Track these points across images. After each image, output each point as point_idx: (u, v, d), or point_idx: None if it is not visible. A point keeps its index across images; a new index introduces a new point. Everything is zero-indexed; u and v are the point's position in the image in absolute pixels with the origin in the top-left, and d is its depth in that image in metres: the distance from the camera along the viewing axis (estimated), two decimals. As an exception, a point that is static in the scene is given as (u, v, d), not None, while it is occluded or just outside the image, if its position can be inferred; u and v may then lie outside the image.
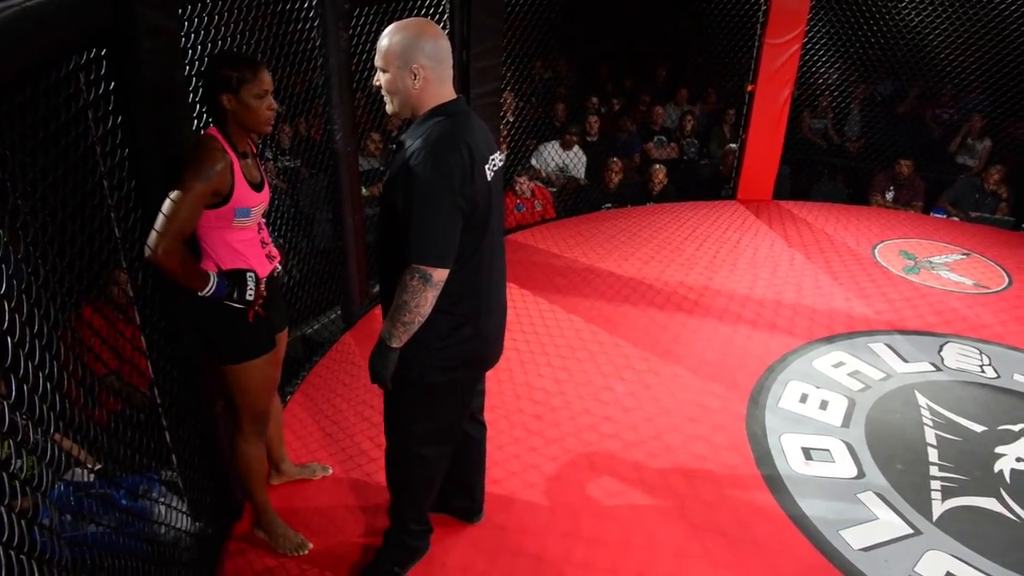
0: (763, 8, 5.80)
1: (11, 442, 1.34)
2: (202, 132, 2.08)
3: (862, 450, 3.07)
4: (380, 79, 1.91)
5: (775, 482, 2.89)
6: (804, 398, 3.44)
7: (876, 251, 5.29)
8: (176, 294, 2.11)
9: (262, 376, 2.27)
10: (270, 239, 2.34)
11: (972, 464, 3.02)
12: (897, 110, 7.22)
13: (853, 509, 2.75)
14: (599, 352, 3.85)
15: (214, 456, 2.50)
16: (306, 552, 2.49)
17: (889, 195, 6.41)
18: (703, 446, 3.10)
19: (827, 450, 3.07)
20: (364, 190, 4.70)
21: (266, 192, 2.21)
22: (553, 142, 6.47)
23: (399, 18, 1.93)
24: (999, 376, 3.68)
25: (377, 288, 2.15)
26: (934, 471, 2.97)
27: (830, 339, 4.00)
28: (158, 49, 1.97)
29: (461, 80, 4.24)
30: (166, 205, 1.90)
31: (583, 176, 6.48)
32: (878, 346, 3.92)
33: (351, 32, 3.69)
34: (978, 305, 4.47)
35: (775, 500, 2.79)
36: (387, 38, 1.87)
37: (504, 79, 5.16)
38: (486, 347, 2.12)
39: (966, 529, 2.67)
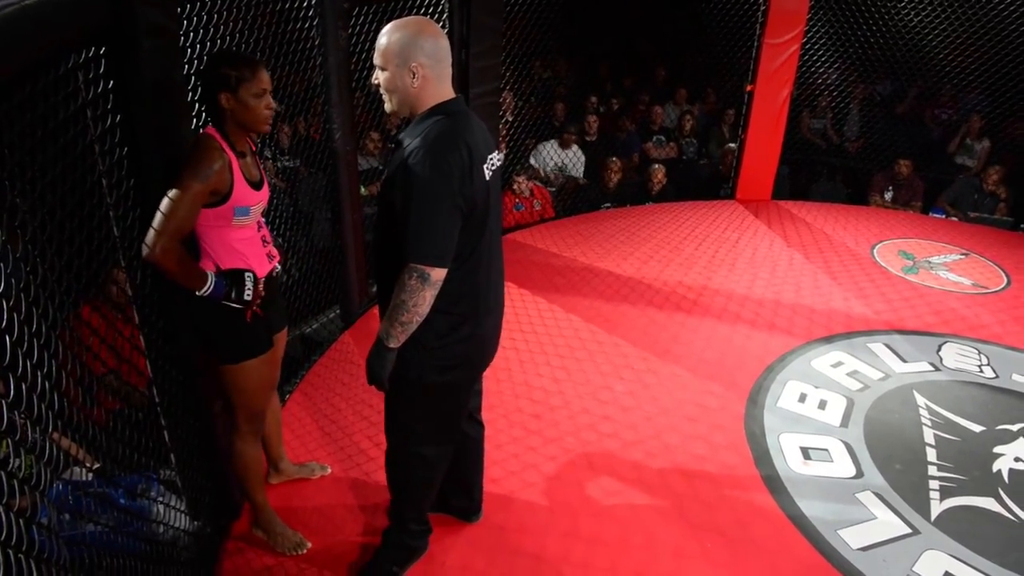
0: (762, 8, 5.80)
1: (10, 441, 1.34)
2: (200, 131, 2.07)
3: (861, 450, 3.08)
4: (379, 77, 1.91)
5: (774, 482, 2.89)
6: (803, 398, 3.44)
7: (875, 251, 5.29)
8: (174, 293, 2.10)
9: (259, 376, 2.27)
10: (270, 238, 2.34)
11: (970, 464, 3.02)
12: (896, 110, 7.23)
13: (851, 509, 2.75)
14: (598, 352, 3.85)
15: (213, 455, 2.49)
16: (305, 551, 2.49)
17: (888, 195, 6.41)
18: (702, 446, 3.10)
19: (826, 450, 3.07)
20: (363, 189, 4.70)
21: (265, 190, 2.20)
22: (551, 141, 6.47)
23: (398, 17, 1.93)
24: (997, 376, 3.68)
25: (376, 288, 2.15)
26: (932, 471, 2.98)
27: (829, 339, 4.00)
28: (157, 48, 1.97)
29: (460, 79, 4.24)
30: (164, 204, 1.90)
31: (582, 175, 6.48)
32: (877, 346, 3.93)
33: (350, 31, 3.68)
34: (977, 305, 4.47)
35: (774, 500, 2.80)
36: (386, 36, 1.86)
37: (503, 79, 5.16)
38: (484, 347, 2.12)
39: (964, 529, 2.67)
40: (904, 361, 3.78)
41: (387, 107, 1.95)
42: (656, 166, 6.37)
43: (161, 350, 2.21)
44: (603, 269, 4.88)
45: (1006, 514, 2.76)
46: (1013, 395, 3.53)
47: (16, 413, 1.34)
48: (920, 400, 3.44)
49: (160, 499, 2.28)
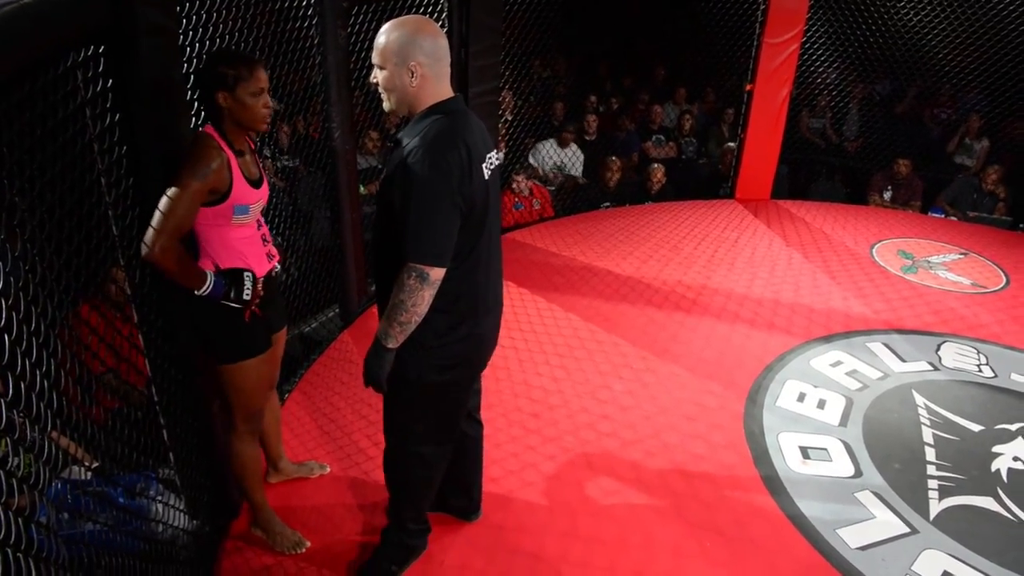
0: (762, 7, 5.80)
1: (8, 440, 1.33)
2: (199, 130, 2.07)
3: (859, 449, 3.08)
4: (377, 76, 1.90)
5: (773, 481, 2.89)
6: (802, 397, 3.44)
7: (874, 250, 5.29)
8: (173, 292, 2.10)
9: (258, 375, 2.27)
10: (270, 237, 2.34)
11: (969, 463, 3.02)
12: (895, 110, 7.23)
13: (850, 508, 2.75)
14: (597, 351, 3.85)
15: (212, 454, 2.49)
16: (303, 550, 2.49)
17: (887, 195, 6.41)
18: (701, 445, 3.10)
19: (825, 449, 3.07)
20: (362, 188, 4.70)
21: (264, 189, 2.20)
22: (550, 140, 6.47)
23: (397, 16, 1.92)
24: (996, 375, 3.68)
25: (374, 287, 2.15)
26: (931, 470, 2.98)
27: (828, 338, 4.01)
28: (157, 47, 1.97)
29: (460, 79, 4.23)
30: (163, 203, 1.90)
31: (580, 174, 6.48)
32: (876, 345, 3.93)
33: (349, 30, 3.68)
34: (976, 305, 4.47)
35: (773, 499, 2.80)
36: (384, 35, 1.86)
37: (502, 78, 5.16)
38: (483, 346, 2.12)
39: (963, 528, 2.67)
40: (903, 361, 3.79)
41: (386, 106, 1.94)
42: (655, 165, 6.37)
43: (160, 349, 2.21)
44: (602, 268, 4.88)
45: (1005, 513, 2.77)
46: (1012, 394, 3.53)
47: (15, 412, 1.34)
48: (919, 399, 3.44)
49: (159, 498, 2.28)
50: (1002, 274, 4.95)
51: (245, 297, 2.12)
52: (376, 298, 2.08)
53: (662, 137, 7.12)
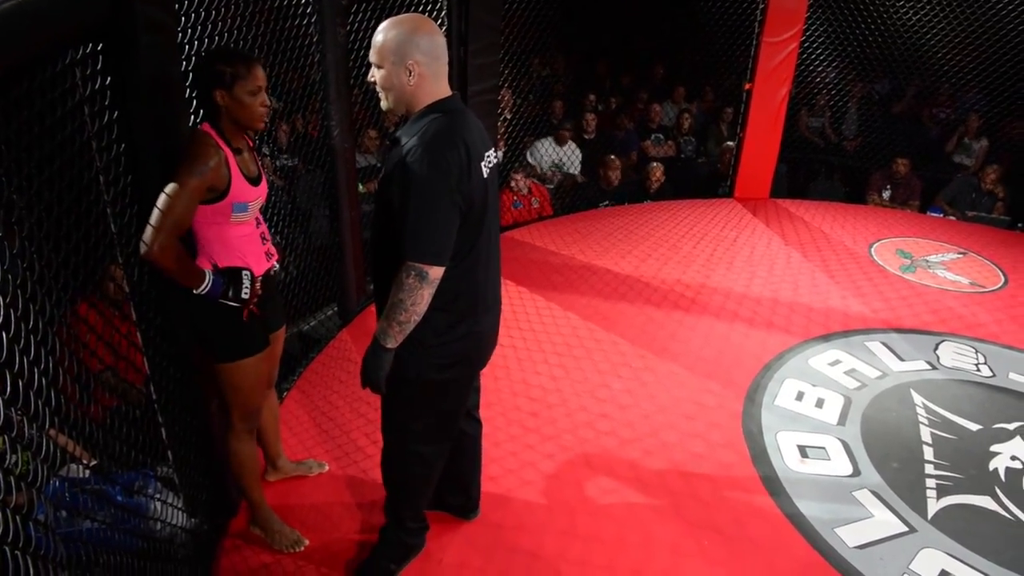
0: (761, 6, 5.80)
1: (6, 437, 1.33)
2: (196, 128, 2.07)
3: (858, 448, 3.08)
4: (375, 75, 1.90)
5: (771, 480, 2.89)
6: (800, 396, 3.44)
7: (873, 250, 5.30)
8: (171, 290, 2.10)
9: (255, 374, 2.27)
10: (269, 235, 2.33)
11: (967, 462, 3.03)
12: (894, 109, 7.23)
13: (849, 507, 2.76)
14: (596, 349, 3.85)
15: (210, 452, 2.49)
16: (302, 549, 2.49)
17: (886, 194, 6.42)
18: (699, 444, 3.10)
19: (823, 448, 3.08)
20: (361, 186, 4.69)
21: (263, 186, 2.20)
22: (548, 138, 6.46)
23: (396, 14, 1.92)
24: (994, 375, 3.68)
25: (373, 286, 2.14)
26: (929, 469, 2.98)
27: (826, 337, 4.01)
28: (155, 44, 1.96)
29: (459, 77, 4.23)
30: (161, 201, 1.90)
31: (579, 172, 6.47)
32: (874, 344, 3.93)
33: (348, 28, 3.68)
34: (974, 304, 4.48)
35: (771, 498, 2.80)
36: (382, 34, 1.85)
37: (502, 76, 5.16)
38: (482, 344, 2.11)
39: (961, 527, 2.67)
40: (901, 360, 3.79)
41: (383, 105, 1.94)
42: (654, 164, 6.36)
43: (158, 347, 2.21)
44: (601, 267, 4.88)
45: (1003, 512, 2.77)
46: (1010, 394, 3.53)
47: (13, 410, 1.34)
48: (917, 399, 3.44)
49: (157, 496, 2.28)
50: (1000, 273, 4.95)
51: (243, 296, 2.12)
52: (375, 297, 2.07)
53: (661, 136, 7.12)
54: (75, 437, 1.78)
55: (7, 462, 1.31)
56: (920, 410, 3.36)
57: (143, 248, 1.89)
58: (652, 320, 4.18)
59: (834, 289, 4.62)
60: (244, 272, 2.13)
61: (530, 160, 6.42)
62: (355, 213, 3.94)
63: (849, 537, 2.61)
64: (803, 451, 3.06)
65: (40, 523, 1.41)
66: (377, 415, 2.23)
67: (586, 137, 6.73)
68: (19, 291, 1.41)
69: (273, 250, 2.31)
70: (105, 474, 2.05)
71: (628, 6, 7.55)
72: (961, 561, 2.52)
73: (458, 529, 2.58)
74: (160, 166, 2.01)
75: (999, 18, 6.09)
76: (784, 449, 3.07)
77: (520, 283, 4.59)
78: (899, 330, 4.11)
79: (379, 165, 5.37)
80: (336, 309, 4.16)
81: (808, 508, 2.74)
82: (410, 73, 1.84)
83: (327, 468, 2.88)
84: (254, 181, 2.14)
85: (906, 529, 2.66)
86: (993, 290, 4.70)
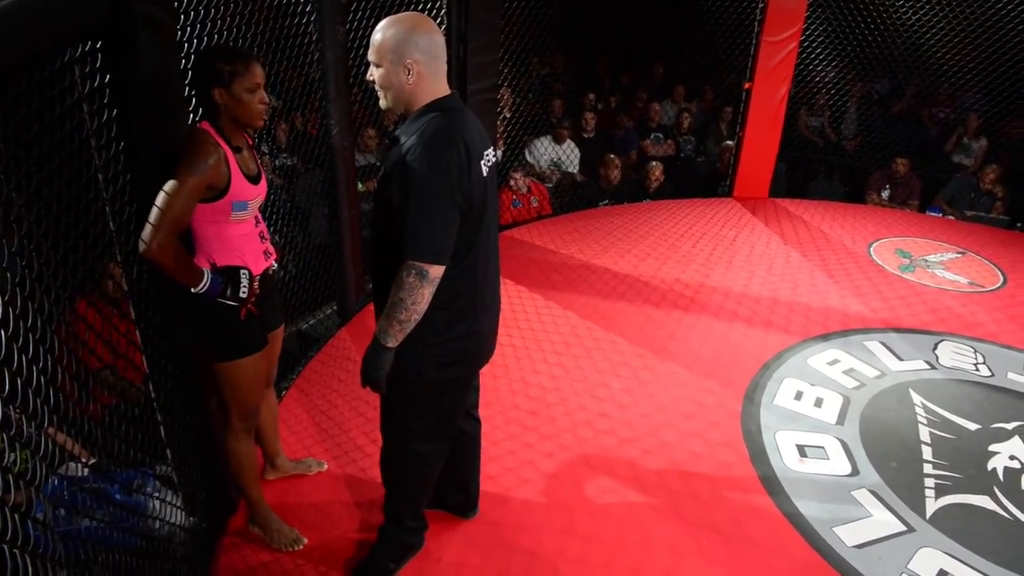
0: (761, 5, 5.80)
1: (5, 436, 1.33)
2: (195, 126, 2.06)
3: (856, 448, 3.08)
4: (373, 74, 1.89)
5: (770, 479, 2.89)
6: (799, 395, 3.44)
7: (872, 249, 5.30)
8: (170, 289, 2.10)
9: (253, 373, 2.27)
10: (268, 234, 2.33)
11: (966, 462, 3.03)
12: (894, 109, 7.24)
13: (847, 506, 2.76)
14: (595, 348, 3.85)
15: (209, 451, 2.49)
16: (301, 547, 2.49)
17: (885, 193, 6.42)
18: (698, 443, 3.10)
19: (822, 447, 3.08)
20: (360, 185, 4.69)
21: (263, 184, 2.20)
22: (545, 137, 6.46)
23: (395, 12, 1.92)
24: (993, 374, 3.69)
25: (372, 285, 2.14)
26: (928, 469, 2.98)
27: (825, 337, 4.01)
28: (154, 43, 1.96)
29: (459, 76, 4.23)
30: (160, 199, 1.89)
31: (577, 170, 6.47)
32: (873, 344, 3.93)
33: (348, 26, 3.67)
34: (973, 304, 4.48)
35: (770, 497, 2.80)
36: (380, 32, 1.85)
37: (501, 75, 5.15)
38: (481, 343, 2.11)
39: (959, 527, 2.68)
40: (900, 359, 3.79)
41: (382, 104, 1.94)
42: (654, 163, 6.36)
43: (157, 345, 2.21)
44: (600, 266, 4.88)
45: (1001, 512, 2.77)
46: (1008, 393, 3.54)
47: (11, 408, 1.34)
48: (916, 398, 3.45)
49: (156, 495, 2.28)
50: (999, 273, 4.96)
51: (241, 295, 2.11)
52: (374, 296, 2.07)
53: (660, 135, 7.12)
54: (74, 435, 1.78)
55: (6, 460, 1.30)
56: (919, 410, 3.36)
57: (142, 246, 1.89)
58: (651, 319, 4.18)
59: (833, 288, 4.63)
60: (242, 271, 2.12)
61: (528, 159, 6.42)
62: (354, 212, 3.94)
63: (848, 536, 2.61)
64: (802, 450, 3.06)
65: (39, 521, 1.41)
66: (376, 414, 2.23)
67: (585, 136, 6.73)
68: (18, 289, 1.41)
69: (271, 249, 2.31)
70: (104, 472, 2.05)
71: (628, 5, 7.55)
72: (959, 560, 2.52)
73: (457, 528, 2.58)
74: (159, 164, 2.01)
75: (999, 18, 6.10)
76: (783, 448, 3.07)
77: (519, 282, 4.59)
78: (898, 330, 4.11)
79: (378, 164, 5.36)
80: (335, 308, 4.16)
81: (807, 507, 2.74)
82: (409, 72, 1.84)
83: (326, 467, 2.88)
84: (254, 179, 2.14)
85: (904, 528, 2.66)
86: (992, 290, 4.70)
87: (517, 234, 5.41)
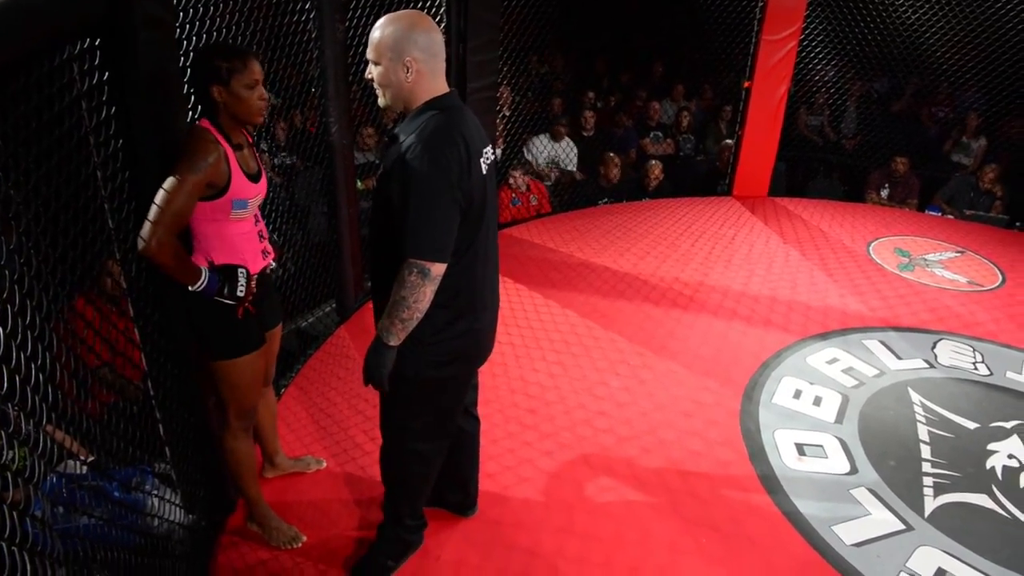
0: (760, 4, 5.79)
1: (3, 433, 1.33)
2: (195, 124, 2.06)
3: (855, 446, 3.08)
4: (372, 72, 1.89)
5: (768, 478, 2.89)
6: (798, 394, 3.44)
7: (871, 248, 5.30)
8: (168, 287, 2.10)
9: (251, 372, 2.26)
10: (267, 234, 2.33)
11: (964, 461, 3.03)
12: (893, 108, 7.24)
13: (846, 505, 2.76)
14: (594, 347, 3.85)
15: (208, 449, 2.49)
16: (299, 545, 2.49)
17: (884, 192, 6.42)
18: (697, 441, 3.10)
19: (820, 446, 3.08)
20: (359, 183, 4.69)
21: (263, 183, 2.19)
22: (543, 135, 6.45)
23: (394, 10, 1.91)
24: (992, 373, 3.69)
25: (371, 283, 2.14)
26: (927, 467, 2.98)
27: (824, 335, 4.01)
28: (153, 39, 1.96)
29: (458, 74, 4.23)
30: (160, 197, 1.89)
31: (575, 168, 6.46)
32: (872, 343, 3.93)
33: (347, 24, 3.67)
34: (972, 303, 4.48)
35: (768, 496, 2.80)
36: (379, 30, 1.85)
37: (500, 74, 5.15)
38: (480, 342, 2.11)
39: (958, 525, 2.68)
40: (899, 358, 3.79)
41: (381, 102, 1.93)
42: (653, 162, 6.36)
43: (156, 343, 2.21)
44: (599, 265, 4.88)
45: (999, 511, 2.77)
46: (1007, 392, 3.54)
47: (9, 405, 1.34)
48: (915, 397, 3.45)
49: (155, 493, 2.27)
50: (998, 272, 4.96)
51: (239, 294, 2.11)
52: (372, 294, 2.07)
53: (660, 134, 7.12)
54: (72, 433, 1.77)
55: (5, 458, 1.30)
56: (918, 408, 3.36)
57: (141, 244, 1.89)
58: (650, 318, 4.18)
59: (832, 287, 4.63)
60: (240, 270, 2.12)
61: (527, 156, 6.42)
62: (353, 210, 3.94)
63: (846, 535, 2.61)
64: (801, 449, 3.06)
65: (37, 519, 1.41)
66: (375, 412, 2.23)
67: (585, 135, 6.72)
68: (16, 286, 1.41)
69: (270, 248, 2.31)
70: (102, 470, 2.04)
71: (627, 3, 7.55)
72: (958, 559, 2.52)
73: (456, 526, 2.58)
74: (158, 161, 2.01)
75: (998, 17, 6.10)
76: (782, 447, 3.07)
77: (518, 280, 4.59)
78: (897, 328, 4.12)
79: (377, 162, 5.36)
80: (334, 306, 4.16)
81: (805, 506, 2.74)
82: (408, 70, 1.83)
83: (325, 465, 2.88)
84: (254, 178, 2.14)
85: (903, 527, 2.66)
86: (991, 289, 4.70)
87: (516, 232, 5.40)
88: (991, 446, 3.13)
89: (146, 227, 1.88)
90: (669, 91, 7.63)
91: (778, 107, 6.05)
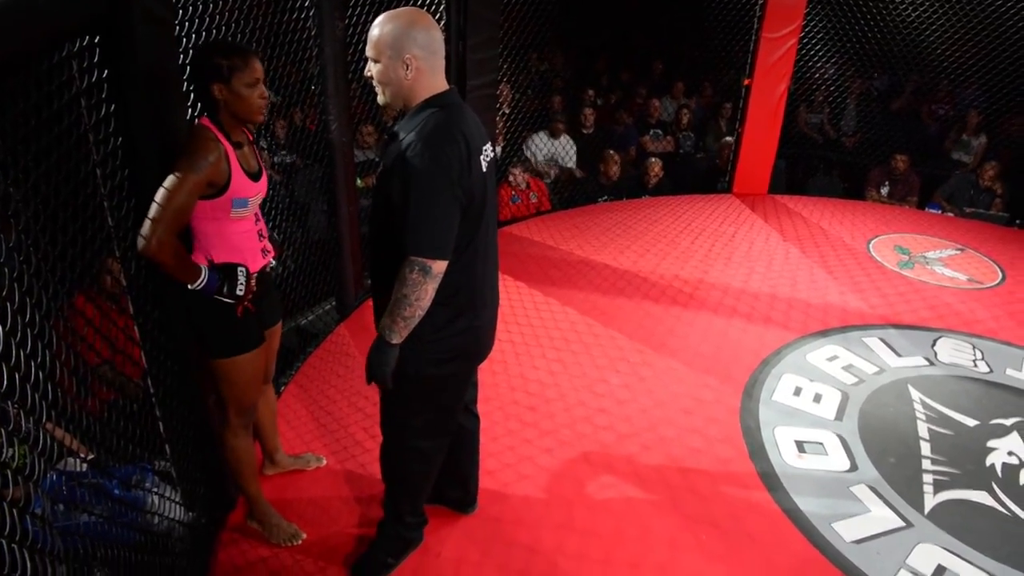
0: (760, 2, 5.79)
1: (3, 431, 1.33)
2: (196, 122, 2.06)
3: (855, 443, 3.09)
4: (372, 70, 1.89)
5: (768, 475, 2.89)
6: (798, 391, 3.44)
7: (871, 245, 5.30)
8: (168, 285, 2.10)
9: (251, 370, 2.26)
10: (267, 232, 2.33)
11: (964, 458, 3.03)
12: (893, 105, 7.23)
13: (846, 502, 2.76)
14: (594, 344, 3.85)
15: (208, 446, 2.49)
16: (299, 542, 2.49)
17: (884, 190, 6.42)
18: (697, 439, 3.11)
19: (820, 443, 3.08)
20: (359, 181, 4.69)
21: (263, 181, 2.19)
22: (542, 132, 6.44)
23: (394, 7, 1.91)
24: (992, 371, 3.69)
25: (371, 281, 2.14)
26: (926, 464, 2.99)
27: (824, 333, 4.01)
28: (153, 37, 1.95)
29: (458, 72, 4.22)
30: (160, 195, 1.89)
31: (574, 165, 6.46)
32: (872, 340, 3.94)
33: (347, 22, 3.67)
34: (972, 300, 4.48)
35: (768, 493, 2.80)
36: (378, 28, 1.85)
37: (500, 71, 5.15)
38: (480, 339, 2.11)
39: (957, 522, 2.68)
40: (899, 355, 3.79)
41: (380, 100, 1.93)
42: (653, 159, 6.36)
43: (156, 340, 2.21)
44: (599, 262, 4.88)
45: (999, 508, 2.78)
46: (1007, 390, 3.54)
47: (9, 403, 1.34)
48: (915, 394, 3.45)
49: (155, 490, 2.28)
50: (998, 270, 4.96)
51: (238, 292, 2.11)
52: (372, 292, 2.07)
53: (660, 131, 7.12)
54: (72, 431, 1.77)
55: (4, 456, 1.30)
56: (917, 406, 3.37)
57: (141, 242, 1.88)
58: (650, 315, 4.18)
59: (832, 285, 4.63)
60: (239, 268, 2.12)
61: (526, 153, 6.41)
62: (353, 208, 3.94)
63: (846, 532, 2.62)
64: (800, 446, 3.06)
65: (37, 517, 1.41)
66: (375, 409, 2.23)
67: (584, 132, 6.72)
68: (16, 284, 1.41)
69: (269, 247, 2.31)
70: (102, 468, 2.04)
71: (627, 1, 7.54)
72: (958, 556, 2.53)
73: (456, 523, 2.59)
74: (157, 159, 2.01)
75: (998, 14, 6.09)
76: (781, 444, 3.07)
77: (518, 278, 4.59)
78: (897, 326, 4.12)
79: (377, 159, 5.35)
80: (334, 303, 4.16)
81: (805, 503, 2.75)
82: (407, 67, 1.83)
83: (325, 462, 2.88)
84: (254, 176, 2.14)
85: (903, 524, 2.66)
86: (991, 286, 4.70)
87: (516, 230, 5.40)
88: (991, 443, 3.13)
89: (146, 225, 1.88)
90: (669, 88, 7.63)
91: (778, 104, 6.05)
